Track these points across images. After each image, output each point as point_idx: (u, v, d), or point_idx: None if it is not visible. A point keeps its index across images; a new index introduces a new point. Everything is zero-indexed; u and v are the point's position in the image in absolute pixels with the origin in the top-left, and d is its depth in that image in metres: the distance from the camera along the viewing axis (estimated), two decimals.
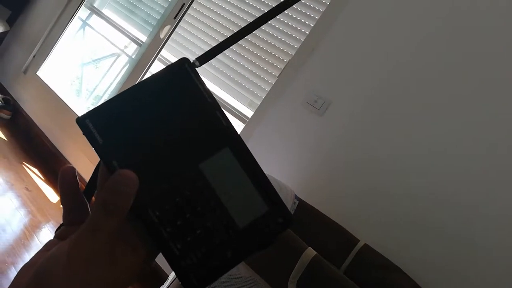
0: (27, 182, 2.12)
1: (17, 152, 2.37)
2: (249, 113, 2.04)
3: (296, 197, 1.39)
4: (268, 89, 1.96)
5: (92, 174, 0.34)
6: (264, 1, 2.13)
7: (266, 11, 0.35)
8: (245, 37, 0.36)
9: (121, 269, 0.28)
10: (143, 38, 2.50)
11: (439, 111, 1.53)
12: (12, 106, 2.71)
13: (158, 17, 2.47)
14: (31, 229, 1.77)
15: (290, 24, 1.99)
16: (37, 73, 2.74)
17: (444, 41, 1.59)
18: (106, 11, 2.78)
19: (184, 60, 0.31)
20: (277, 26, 2.02)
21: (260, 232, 0.29)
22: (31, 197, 2.00)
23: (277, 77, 1.95)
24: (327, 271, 0.98)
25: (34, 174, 2.25)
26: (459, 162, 1.45)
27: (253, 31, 0.35)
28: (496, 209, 1.36)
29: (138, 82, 0.30)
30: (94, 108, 0.29)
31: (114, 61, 2.97)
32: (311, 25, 1.92)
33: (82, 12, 2.81)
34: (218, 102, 0.31)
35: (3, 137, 2.46)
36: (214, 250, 0.29)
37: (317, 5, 1.94)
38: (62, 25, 2.74)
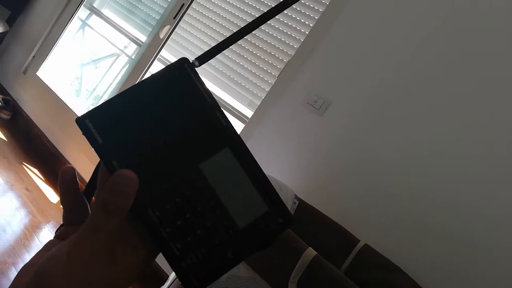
0: (27, 183, 2.12)
1: (17, 153, 2.37)
2: (249, 113, 2.04)
3: (296, 197, 1.39)
4: (268, 89, 1.96)
5: (92, 174, 0.34)
6: (263, 1, 2.13)
7: (265, 11, 0.35)
8: (245, 37, 0.36)
9: (121, 269, 0.28)
10: (143, 38, 2.50)
11: (439, 111, 1.53)
12: (12, 106, 2.71)
13: (157, 17, 2.47)
14: (31, 229, 1.77)
15: (289, 24, 1.99)
16: (36, 73, 2.74)
17: (444, 41, 1.59)
18: (105, 11, 2.77)
19: (183, 60, 0.31)
20: (276, 26, 2.02)
21: (260, 232, 0.29)
22: (31, 198, 2.00)
23: (277, 77, 1.95)
24: (328, 271, 0.98)
25: (34, 175, 2.25)
26: (459, 162, 1.45)
27: (253, 31, 0.35)
28: (496, 209, 1.36)
29: (137, 82, 0.30)
30: (94, 108, 0.29)
31: (114, 61, 2.97)
32: (311, 25, 1.92)
33: (82, 12, 2.81)
34: (217, 102, 0.31)
35: (3, 137, 2.46)
36: (214, 250, 0.29)
37: (317, 5, 1.94)
38: (62, 25, 2.74)
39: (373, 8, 1.77)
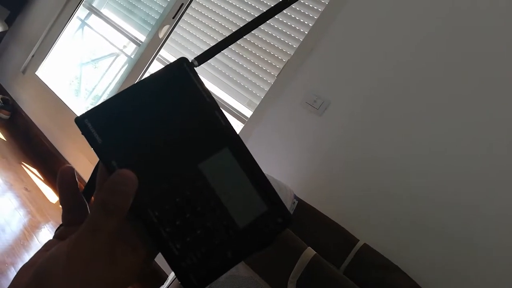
0: (26, 183, 2.12)
1: (16, 152, 2.37)
2: (248, 113, 2.04)
3: (296, 197, 1.39)
4: (267, 89, 1.96)
5: (92, 174, 0.34)
6: (263, 1, 2.13)
7: (264, 10, 0.35)
8: (244, 37, 0.36)
9: (121, 269, 0.27)
10: (142, 38, 2.50)
11: (439, 111, 1.53)
12: (11, 106, 2.71)
13: (157, 17, 2.47)
14: (31, 229, 1.77)
15: (289, 24, 1.99)
16: (35, 73, 2.74)
17: (444, 41, 1.59)
18: (105, 11, 2.77)
19: (182, 60, 0.31)
20: (276, 26, 2.02)
21: (259, 232, 0.29)
22: (31, 198, 2.00)
23: (276, 77, 1.95)
24: (327, 271, 0.98)
25: (33, 174, 2.25)
26: (459, 162, 1.45)
27: (252, 30, 0.35)
28: (496, 209, 1.37)
29: (136, 82, 0.30)
30: (93, 108, 0.29)
31: (113, 61, 2.97)
32: (310, 25, 1.92)
33: (81, 11, 2.81)
34: (217, 102, 0.31)
35: (2, 137, 2.45)
36: (214, 250, 0.28)
37: (316, 5, 1.94)
38: (61, 25, 2.74)
39: (372, 8, 1.77)
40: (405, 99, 1.61)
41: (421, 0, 1.67)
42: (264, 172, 0.31)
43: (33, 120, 2.62)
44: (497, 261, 1.33)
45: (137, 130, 0.29)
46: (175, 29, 2.36)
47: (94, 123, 0.29)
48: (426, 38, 1.62)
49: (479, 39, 1.52)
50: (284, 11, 1.95)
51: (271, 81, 1.97)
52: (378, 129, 1.62)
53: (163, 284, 1.30)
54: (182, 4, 2.34)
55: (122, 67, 2.75)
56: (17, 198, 1.93)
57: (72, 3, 2.73)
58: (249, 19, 2.11)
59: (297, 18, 1.98)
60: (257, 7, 2.14)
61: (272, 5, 0.35)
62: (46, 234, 1.80)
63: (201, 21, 2.29)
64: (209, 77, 2.16)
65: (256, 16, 0.35)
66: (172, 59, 2.29)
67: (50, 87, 2.64)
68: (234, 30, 0.35)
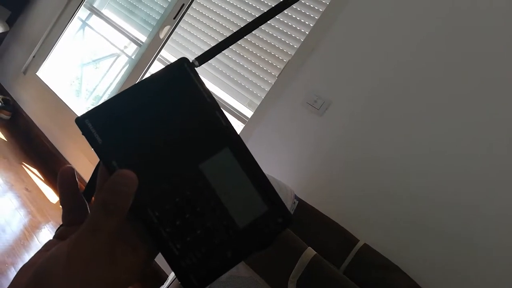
0: (26, 183, 2.12)
1: (16, 153, 2.37)
2: (248, 113, 2.04)
3: (296, 197, 1.39)
4: (267, 89, 1.96)
5: (92, 175, 0.34)
6: (263, 1, 2.13)
7: (265, 11, 0.35)
8: (245, 37, 0.36)
9: (121, 269, 0.28)
10: (143, 38, 2.50)
11: (439, 111, 1.53)
12: (12, 106, 2.71)
13: (157, 17, 2.47)
14: (31, 229, 1.77)
15: (289, 24, 1.99)
16: (36, 73, 2.74)
17: (444, 41, 1.59)
18: (105, 11, 2.78)
19: (183, 60, 0.31)
20: (276, 26, 2.02)
21: (259, 232, 0.29)
22: (31, 198, 2.00)
23: (277, 77, 1.95)
24: (327, 271, 0.98)
25: (34, 175, 2.25)
26: (459, 162, 1.45)
27: (253, 31, 0.35)
28: (496, 209, 1.36)
29: (137, 82, 0.30)
30: (93, 108, 0.29)
31: (114, 61, 2.97)
32: (311, 25, 1.92)
33: (82, 12, 2.81)
34: (217, 102, 0.31)
35: (3, 137, 2.46)
36: (214, 250, 0.28)
37: (317, 5, 1.94)
38: (62, 26, 2.74)
39: (373, 8, 1.77)
40: (406, 99, 1.61)
41: (422, 0, 1.67)
42: (265, 172, 0.31)
43: (33, 121, 2.62)
44: (497, 261, 1.33)
45: (137, 130, 0.29)
46: (176, 30, 2.36)
47: (94, 123, 0.29)
48: (427, 38, 1.62)
49: (479, 39, 1.52)
50: (285, 11, 1.95)
51: (272, 81, 1.97)
52: (379, 129, 1.62)
53: (163, 284, 1.30)
54: (183, 4, 2.34)
55: (123, 67, 2.75)
56: (18, 198, 1.93)
57: (73, 4, 2.73)
58: (249, 20, 2.11)
59: (298, 18, 1.98)
60: (257, 7, 2.14)
61: (273, 5, 0.35)
62: (46, 234, 1.80)
63: (202, 21, 2.29)
64: (209, 77, 2.16)
65: (257, 16, 0.35)
66: (173, 59, 2.28)
67: (51, 87, 2.64)
68: (234, 31, 0.35)
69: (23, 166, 2.27)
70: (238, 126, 2.01)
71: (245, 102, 2.10)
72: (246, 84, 2.06)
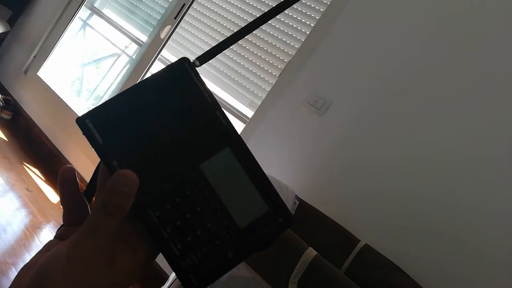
0: (27, 183, 2.12)
1: (17, 153, 2.38)
2: (249, 113, 2.04)
3: (297, 197, 1.39)
4: (268, 89, 1.96)
5: (93, 175, 0.34)
6: (264, 1, 2.13)
7: (266, 10, 0.35)
8: (245, 37, 0.36)
9: (121, 270, 0.27)
10: (144, 38, 2.50)
11: (439, 111, 1.53)
12: (13, 106, 2.71)
13: (158, 17, 2.47)
14: (32, 229, 1.77)
15: (290, 24, 1.99)
16: (37, 73, 2.75)
17: (444, 41, 1.58)
18: (106, 11, 2.78)
19: (184, 60, 0.31)
20: (277, 26, 2.02)
21: (260, 232, 0.29)
22: (32, 198, 2.00)
23: (278, 77, 1.95)
24: (328, 271, 0.98)
25: (35, 175, 2.25)
26: (459, 162, 1.45)
27: (253, 30, 0.35)
28: (495, 209, 1.36)
29: (138, 82, 0.30)
30: (94, 108, 0.29)
31: (115, 61, 2.97)
32: (312, 25, 1.92)
33: (83, 12, 2.82)
34: (218, 102, 0.31)
35: (4, 137, 2.46)
36: (215, 250, 0.28)
37: (318, 5, 1.94)
38: (63, 25, 2.74)
39: (373, 8, 1.77)
40: (406, 99, 1.61)
41: (422, 1, 1.67)
42: (265, 173, 0.31)
43: (34, 121, 2.63)
44: (497, 261, 1.32)
45: (138, 130, 0.29)
46: (176, 30, 2.36)
47: (95, 123, 0.29)
48: (427, 38, 1.62)
49: (479, 39, 1.52)
50: (286, 11, 1.95)
51: (273, 81, 1.97)
52: (379, 129, 1.62)
53: (164, 284, 1.30)
54: (184, 4, 2.34)
55: (124, 67, 2.75)
56: (19, 198, 1.94)
57: (74, 4, 2.74)
58: (250, 19, 2.11)
59: (299, 18, 1.97)
60: (258, 7, 2.14)
61: (274, 5, 0.35)
62: (47, 234, 1.81)
63: (203, 21, 2.29)
64: (210, 77, 2.16)
65: (258, 16, 0.35)
66: (173, 59, 2.29)
67: (51, 87, 2.65)
68: (235, 30, 0.35)
69: (24, 166, 2.27)
70: (238, 126, 2.01)
71: (245, 102, 2.10)
72: (247, 84, 2.06)
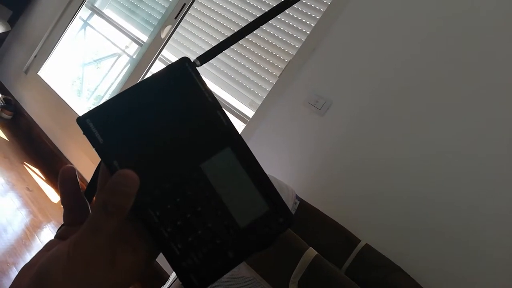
0: (28, 182, 2.12)
1: (18, 152, 2.38)
2: (250, 113, 2.04)
3: (297, 197, 1.39)
4: (269, 89, 1.96)
5: (93, 175, 0.34)
6: (264, 1, 2.13)
7: (266, 10, 0.35)
8: (246, 37, 0.36)
9: (121, 270, 0.27)
10: (144, 38, 2.50)
11: (440, 111, 1.53)
12: (13, 106, 2.72)
13: (159, 17, 2.47)
14: (32, 229, 1.77)
15: (291, 23, 1.99)
16: (38, 73, 2.75)
17: (445, 41, 1.58)
18: (107, 11, 2.78)
19: (184, 59, 0.31)
20: (278, 25, 2.02)
21: (261, 232, 0.29)
22: (32, 197, 2.00)
23: (278, 76, 1.94)
24: (328, 271, 0.98)
25: (35, 174, 2.25)
26: (459, 162, 1.45)
27: (254, 30, 0.35)
28: (495, 209, 1.36)
29: (138, 82, 0.30)
30: (95, 108, 0.29)
31: (115, 61, 2.97)
32: (312, 24, 1.92)
33: (83, 12, 2.82)
34: (219, 101, 0.31)
35: (5, 137, 2.46)
36: (215, 250, 0.28)
37: (318, 4, 1.94)
38: (63, 25, 2.75)
39: (374, 8, 1.77)
40: (406, 99, 1.60)
41: (423, 1, 1.67)
42: (266, 172, 0.31)
43: (35, 120, 2.63)
44: (497, 261, 1.32)
45: (138, 130, 0.29)
46: (177, 29, 2.36)
47: (95, 123, 0.29)
48: (428, 38, 1.62)
49: (479, 39, 1.52)
50: (286, 11, 1.95)
51: (273, 81, 1.97)
52: (380, 130, 1.62)
53: (164, 284, 1.30)
54: (184, 4, 2.34)
55: (124, 67, 2.75)
56: (19, 198, 1.94)
57: (74, 4, 2.74)
58: (250, 19, 2.10)
59: (299, 18, 1.97)
60: (258, 7, 2.14)
61: (274, 5, 0.35)
62: (47, 234, 1.81)
63: (203, 21, 2.29)
64: (211, 77, 2.16)
65: (258, 16, 0.35)
66: (174, 59, 2.28)
67: (52, 87, 2.65)
68: (236, 30, 0.35)
69: (25, 166, 2.27)
70: (239, 126, 2.01)
71: (246, 102, 2.10)
72: (247, 84, 2.06)
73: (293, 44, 1.96)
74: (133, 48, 2.71)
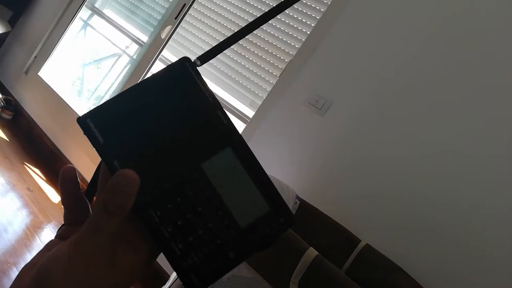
0: (28, 183, 2.12)
1: (18, 153, 2.38)
2: (250, 113, 2.04)
3: (298, 197, 1.39)
4: (269, 89, 1.96)
5: (94, 174, 0.34)
6: (265, 1, 2.13)
7: (266, 10, 0.35)
8: (246, 37, 0.36)
9: (122, 270, 0.27)
10: (144, 38, 2.50)
11: (440, 111, 1.53)
12: (14, 106, 2.72)
13: (159, 17, 2.47)
14: (33, 229, 1.77)
15: (291, 23, 1.99)
16: (38, 73, 2.75)
17: (445, 41, 1.58)
18: (107, 12, 2.78)
19: (185, 59, 0.31)
20: (278, 25, 2.02)
21: (261, 232, 0.29)
22: (33, 198, 2.00)
23: (278, 76, 1.94)
24: (329, 271, 0.98)
25: (36, 175, 2.25)
26: (459, 162, 1.45)
27: (254, 30, 0.35)
28: (496, 209, 1.36)
29: (139, 82, 0.30)
30: (95, 108, 0.29)
31: (115, 61, 2.97)
32: (312, 24, 1.92)
33: (84, 12, 2.82)
34: (219, 101, 0.31)
35: (5, 137, 2.46)
36: (216, 250, 0.28)
37: (318, 4, 1.94)
38: (64, 26, 2.75)
39: (374, 8, 1.77)
40: (407, 99, 1.60)
41: (423, 0, 1.67)
42: (266, 172, 0.31)
43: (35, 121, 2.63)
44: (497, 261, 1.32)
45: (139, 130, 0.29)
46: (177, 30, 2.36)
47: (96, 123, 0.29)
48: (428, 38, 1.62)
49: (480, 39, 1.52)
50: (286, 11, 1.95)
51: (273, 81, 1.97)
52: (380, 129, 1.62)
53: (165, 284, 1.30)
54: (184, 4, 2.34)
55: (125, 67, 2.75)
56: (20, 198, 1.94)
57: (74, 4, 2.74)
58: (251, 19, 2.10)
59: (299, 18, 1.97)
60: (259, 7, 2.14)
61: (274, 5, 0.35)
62: (48, 234, 1.81)
63: (203, 21, 2.29)
64: (211, 78, 2.16)
65: (258, 16, 0.35)
66: (174, 59, 2.28)
67: (52, 87, 2.65)
68: (236, 30, 0.35)
69: (25, 166, 2.27)
70: (239, 126, 2.01)
71: (246, 102, 2.10)
72: (248, 84, 2.06)
73: (293, 44, 1.96)
74: (133, 48, 2.71)
